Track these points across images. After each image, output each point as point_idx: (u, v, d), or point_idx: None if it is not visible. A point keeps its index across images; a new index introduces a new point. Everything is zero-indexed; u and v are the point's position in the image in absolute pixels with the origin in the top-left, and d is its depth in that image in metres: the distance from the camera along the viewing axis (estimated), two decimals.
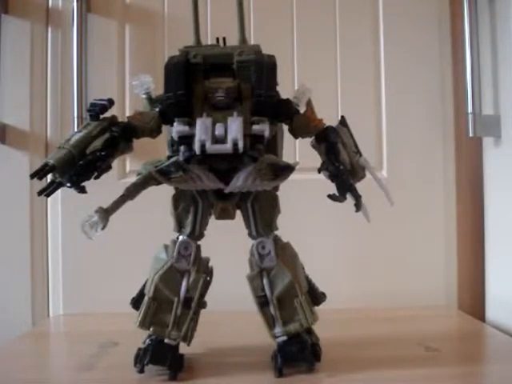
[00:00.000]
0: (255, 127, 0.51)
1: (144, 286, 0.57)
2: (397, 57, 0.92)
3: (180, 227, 0.56)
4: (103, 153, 0.50)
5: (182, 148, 0.51)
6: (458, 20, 0.86)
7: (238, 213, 0.57)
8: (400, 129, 0.92)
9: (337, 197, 0.53)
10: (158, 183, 0.54)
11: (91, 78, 0.90)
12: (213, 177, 0.52)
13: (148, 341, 0.55)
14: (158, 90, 0.55)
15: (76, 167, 0.49)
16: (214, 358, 0.61)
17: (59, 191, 0.50)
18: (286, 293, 0.55)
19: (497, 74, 0.82)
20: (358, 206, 0.53)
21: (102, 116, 0.53)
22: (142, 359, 0.54)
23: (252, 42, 0.60)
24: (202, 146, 0.49)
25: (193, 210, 0.56)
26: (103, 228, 0.51)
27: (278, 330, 0.55)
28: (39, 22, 0.92)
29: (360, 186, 0.53)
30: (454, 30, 0.91)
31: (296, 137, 0.56)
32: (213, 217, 0.57)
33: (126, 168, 0.91)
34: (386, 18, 0.92)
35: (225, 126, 0.49)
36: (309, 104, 0.55)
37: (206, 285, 0.56)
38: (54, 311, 0.91)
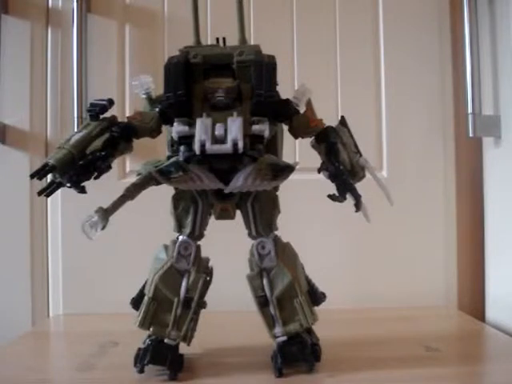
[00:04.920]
0: (255, 127, 0.51)
1: (144, 286, 0.57)
2: (397, 57, 0.92)
3: (180, 227, 0.56)
4: (103, 153, 0.51)
5: (181, 148, 0.51)
6: (458, 20, 0.86)
7: (238, 213, 0.57)
8: (400, 129, 0.92)
9: (337, 197, 0.53)
10: (158, 183, 0.54)
11: (91, 78, 0.90)
12: (213, 177, 0.52)
13: (148, 341, 0.55)
14: (158, 90, 0.55)
15: (76, 167, 0.49)
16: (214, 358, 0.61)
17: (59, 191, 0.51)
18: (285, 293, 0.55)
19: (497, 74, 0.82)
20: (358, 206, 0.53)
21: (101, 116, 0.53)
22: (142, 359, 0.54)
23: (252, 42, 0.61)
24: (202, 146, 0.49)
25: (193, 210, 0.56)
26: (103, 228, 0.51)
27: (277, 330, 0.55)
28: (39, 21, 0.92)
29: (360, 186, 0.53)
30: (454, 30, 0.91)
31: (296, 137, 0.56)
32: (213, 217, 0.57)
33: (126, 168, 0.91)
34: (386, 18, 0.92)
35: (225, 126, 0.49)
36: (309, 104, 0.55)
37: (206, 285, 0.56)
38: (54, 311, 0.91)
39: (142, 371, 0.54)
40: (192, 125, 0.51)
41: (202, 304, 0.56)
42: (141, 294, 0.57)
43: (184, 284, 0.55)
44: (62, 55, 0.92)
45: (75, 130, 0.58)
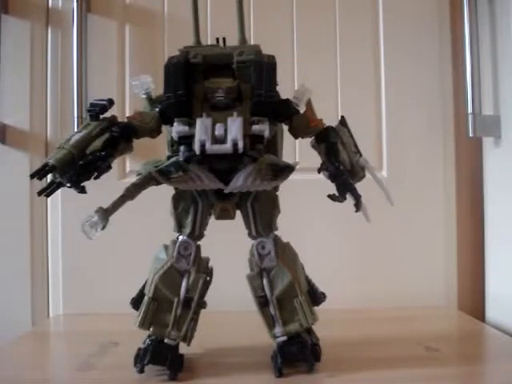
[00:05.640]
0: (255, 127, 0.51)
1: (144, 286, 0.57)
2: (397, 57, 0.92)
3: (180, 227, 0.56)
4: (103, 153, 0.51)
5: (181, 148, 0.51)
6: (458, 20, 0.86)
7: (238, 213, 0.57)
8: (400, 129, 0.92)
9: (337, 197, 0.53)
10: (158, 183, 0.54)
11: (91, 78, 0.90)
12: (213, 177, 0.52)
13: (148, 341, 0.55)
14: (158, 90, 0.55)
15: (76, 167, 0.49)
16: (214, 358, 0.61)
17: (59, 191, 0.51)
18: (285, 293, 0.55)
19: (497, 74, 0.82)
20: (358, 206, 0.53)
21: (101, 116, 0.53)
22: (142, 359, 0.54)
23: (252, 42, 0.61)
24: (202, 146, 0.49)
25: (193, 210, 0.56)
26: (103, 228, 0.51)
27: (277, 330, 0.55)
28: (39, 21, 0.92)
29: (360, 186, 0.53)
30: (454, 30, 0.91)
31: (296, 137, 0.56)
32: (213, 217, 0.57)
33: (126, 168, 0.91)
34: (386, 18, 0.92)
35: (225, 126, 0.49)
36: (309, 104, 0.55)
37: (206, 285, 0.56)
38: (54, 311, 0.91)
39: (141, 371, 0.54)
40: (192, 125, 0.51)
41: (202, 304, 0.56)
42: (141, 294, 0.57)
43: (184, 284, 0.55)
44: (61, 55, 0.92)
45: (75, 130, 0.58)
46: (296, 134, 0.56)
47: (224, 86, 0.52)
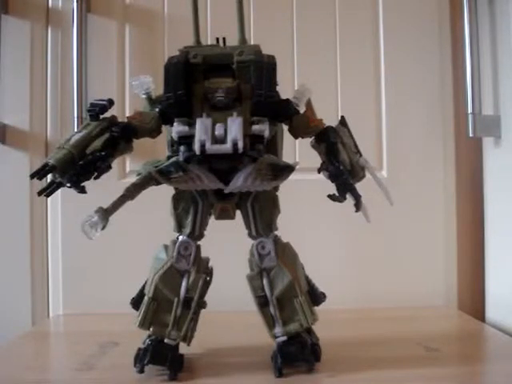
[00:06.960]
0: (255, 127, 0.51)
1: (144, 286, 0.57)
2: (397, 57, 0.92)
3: (180, 227, 0.56)
4: (103, 153, 0.51)
5: (181, 148, 0.51)
6: (458, 20, 0.86)
7: (238, 213, 0.57)
8: (400, 129, 0.92)
9: (337, 197, 0.53)
10: (158, 183, 0.54)
11: (91, 77, 0.90)
12: (213, 177, 0.52)
13: (148, 341, 0.55)
14: (158, 90, 0.55)
15: (76, 167, 0.49)
16: (214, 358, 0.61)
17: (59, 191, 0.51)
18: (285, 293, 0.55)
19: (497, 74, 0.82)
20: (358, 206, 0.53)
21: (101, 116, 0.53)
22: (141, 359, 0.54)
23: (252, 42, 0.61)
24: (202, 146, 0.49)
25: (193, 211, 0.56)
26: (103, 228, 0.51)
27: (277, 330, 0.55)
28: (39, 21, 0.92)
29: (360, 186, 0.53)
30: (454, 31, 0.91)
31: (296, 137, 0.56)
32: (213, 217, 0.57)
33: (126, 168, 0.91)
34: (386, 18, 0.92)
35: (225, 126, 0.49)
36: (309, 104, 0.55)
37: (206, 285, 0.56)
38: (54, 311, 0.91)
39: (141, 371, 0.54)
40: (192, 125, 0.51)
41: (201, 304, 0.56)
42: (141, 294, 0.57)
43: (184, 284, 0.55)
44: (62, 55, 0.92)
45: (75, 130, 0.58)
46: (296, 133, 0.55)
47: (224, 86, 0.52)
